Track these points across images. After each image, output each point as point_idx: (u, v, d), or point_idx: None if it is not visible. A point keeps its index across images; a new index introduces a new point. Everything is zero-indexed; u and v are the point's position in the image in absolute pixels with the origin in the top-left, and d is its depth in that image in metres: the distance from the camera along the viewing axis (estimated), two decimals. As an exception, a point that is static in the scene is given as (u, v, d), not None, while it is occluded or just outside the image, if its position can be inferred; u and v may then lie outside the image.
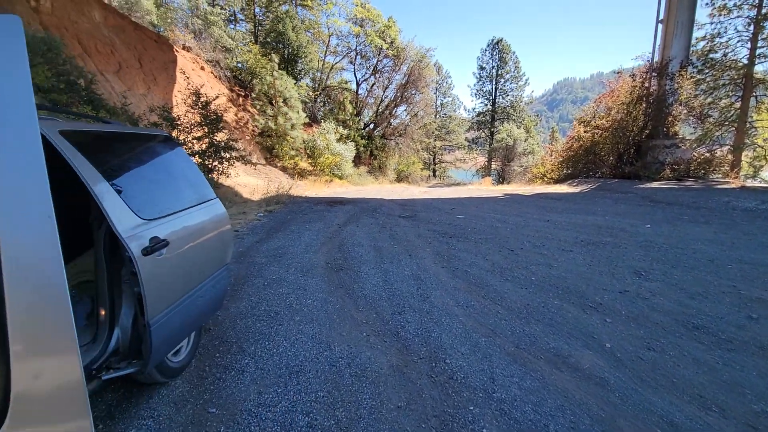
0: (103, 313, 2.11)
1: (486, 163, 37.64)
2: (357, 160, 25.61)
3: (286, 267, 4.98)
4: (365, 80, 30.36)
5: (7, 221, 1.07)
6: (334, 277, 4.69)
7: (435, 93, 39.78)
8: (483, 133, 40.33)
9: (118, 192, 2.07)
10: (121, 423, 2.18)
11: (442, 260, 5.35)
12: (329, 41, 28.89)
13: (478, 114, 40.66)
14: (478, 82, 40.03)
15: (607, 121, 16.96)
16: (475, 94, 40.40)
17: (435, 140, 40.29)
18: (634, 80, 16.60)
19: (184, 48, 19.13)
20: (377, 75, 29.81)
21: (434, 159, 42.31)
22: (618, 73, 17.89)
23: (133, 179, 2.36)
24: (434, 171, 41.19)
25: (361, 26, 28.28)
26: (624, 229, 6.96)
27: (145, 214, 2.20)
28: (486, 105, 40.08)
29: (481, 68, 39.53)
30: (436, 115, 39.96)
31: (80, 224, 2.54)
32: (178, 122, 10.63)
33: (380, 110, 30.66)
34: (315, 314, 3.64)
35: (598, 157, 17.20)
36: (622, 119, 16.39)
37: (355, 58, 29.52)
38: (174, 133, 10.55)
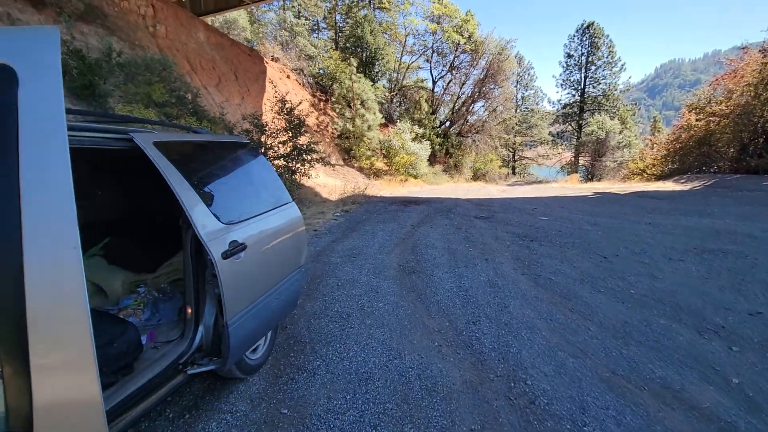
0: (189, 311, 2.24)
1: (572, 158, 34.79)
2: (432, 159, 25.31)
3: (360, 267, 5.01)
4: (441, 78, 29.92)
5: (33, 231, 1.09)
6: (407, 280, 4.60)
7: (515, 86, 37.83)
8: (569, 127, 37.30)
9: (202, 197, 2.18)
10: (204, 414, 2.31)
11: (522, 266, 4.96)
12: (405, 41, 28.98)
13: (564, 106, 37.69)
14: (564, 72, 37.11)
15: (726, 107, 14.52)
16: (561, 85, 37.53)
17: (515, 136, 38.31)
18: (765, 56, 13.95)
19: (272, 59, 20.56)
20: (454, 71, 29.16)
21: (513, 156, 40.25)
22: (743, 48, 15.18)
23: (215, 185, 2.49)
24: (513, 168, 39.19)
25: (438, 23, 27.87)
26: (752, 235, 5.84)
27: (225, 218, 2.30)
28: (573, 96, 37.02)
29: (569, 56, 36.57)
30: (516, 110, 37.98)
31: (175, 226, 2.76)
32: (266, 128, 11.41)
33: (456, 107, 29.96)
34: (386, 319, 3.58)
35: (714, 148, 14.83)
36: (747, 103, 13.88)
37: (432, 56, 29.22)
38: (262, 138, 11.36)
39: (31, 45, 1.15)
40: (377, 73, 25.01)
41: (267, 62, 19.18)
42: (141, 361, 2.10)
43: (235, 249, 2.21)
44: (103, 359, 1.88)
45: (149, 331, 2.39)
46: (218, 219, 2.22)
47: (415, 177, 20.60)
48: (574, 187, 17.39)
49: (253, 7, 22.14)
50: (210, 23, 19.03)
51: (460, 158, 29.17)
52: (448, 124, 30.10)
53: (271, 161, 11.24)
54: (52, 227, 1.15)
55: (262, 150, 11.15)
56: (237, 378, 2.61)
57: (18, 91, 1.10)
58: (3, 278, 1.06)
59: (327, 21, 28.30)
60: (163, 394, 1.99)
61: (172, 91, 11.32)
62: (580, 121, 35.82)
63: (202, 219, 2.10)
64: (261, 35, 22.65)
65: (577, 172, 31.25)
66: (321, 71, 23.47)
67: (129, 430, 1.90)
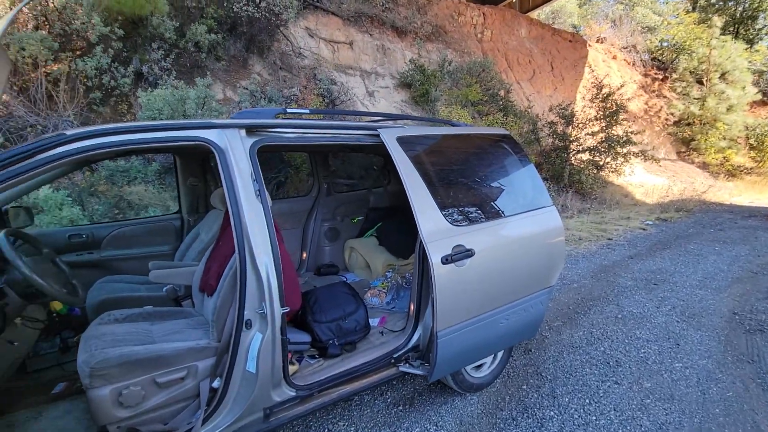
0: (412, 308, 2.20)
1: None
2: None
3: (659, 301, 3.63)
4: None
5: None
6: (742, 341, 2.95)
7: None
8: None
9: (435, 194, 2.05)
10: (413, 414, 2.25)
11: None
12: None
13: None
14: None
15: None
16: None
17: None
18: None
19: (597, 41, 18.25)
20: None
21: None
22: None
23: (455, 181, 2.31)
24: None
25: None
26: None
27: (455, 218, 2.08)
28: None
29: None
30: None
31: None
32: (574, 118, 10.27)
33: None
34: (682, 392, 2.39)
35: None
36: None
37: None
38: (567, 130, 10.32)
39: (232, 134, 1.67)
40: (759, 30, 17.57)
41: (590, 45, 17.19)
42: (365, 342, 2.24)
43: (458, 254, 1.97)
44: (336, 331, 2.11)
45: (382, 316, 2.55)
46: (447, 219, 2.03)
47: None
48: None
49: (583, -11, 20.26)
50: (535, 17, 18.84)
51: None
52: None
53: (573, 154, 10.07)
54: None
55: (566, 142, 10.13)
56: (454, 390, 2.40)
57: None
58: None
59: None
60: (375, 381, 2.04)
61: (487, 89, 12.05)
62: None
63: (427, 216, 1.97)
64: (588, 17, 20.48)
65: None
66: (662, 44, 18.83)
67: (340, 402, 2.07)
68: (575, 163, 10.14)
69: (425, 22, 12.61)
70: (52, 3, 5.60)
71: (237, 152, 1.67)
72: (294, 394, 1.76)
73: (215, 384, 1.67)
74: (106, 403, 1.50)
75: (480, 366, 2.46)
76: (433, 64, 11.88)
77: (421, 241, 1.93)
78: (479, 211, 2.24)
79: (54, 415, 1.73)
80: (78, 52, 5.96)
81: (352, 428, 2.13)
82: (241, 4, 7.57)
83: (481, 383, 2.43)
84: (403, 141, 2.09)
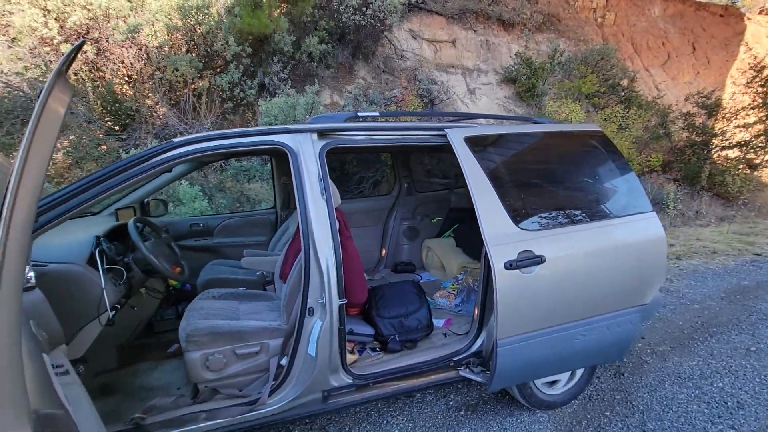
0: (476, 312, 2.12)
1: None
2: None
3: (820, 339, 2.84)
4: None
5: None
6: None
7: None
8: None
9: (503, 195, 1.94)
10: (474, 421, 2.17)
11: None
12: None
13: None
14: None
15: None
16: None
17: None
18: None
19: (760, 12, 14.78)
20: None
21: None
22: None
23: (531, 182, 2.15)
24: None
25: None
26: None
27: (527, 222, 1.95)
28: None
29: None
30: None
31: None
32: (719, 108, 8.52)
33: None
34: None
35: None
36: None
37: None
38: (710, 122, 8.61)
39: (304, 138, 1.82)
40: None
41: (748, 18, 14.01)
42: (426, 341, 2.23)
43: (524, 261, 1.84)
44: (398, 328, 2.16)
45: (448, 318, 2.49)
46: (514, 222, 1.90)
47: None
48: None
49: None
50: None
51: None
52: None
53: (716, 151, 8.36)
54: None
55: (707, 137, 8.46)
56: (523, 405, 2.23)
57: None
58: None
59: None
60: (433, 382, 2.03)
61: (605, 80, 10.78)
62: None
63: (492, 219, 1.88)
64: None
65: None
66: None
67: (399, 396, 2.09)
68: (719, 162, 8.40)
69: (535, 11, 11.76)
70: (199, 29, 6.69)
71: (307, 154, 1.81)
72: (351, 381, 1.85)
73: (283, 362, 1.85)
74: (196, 365, 1.79)
75: (554, 383, 2.25)
76: (542, 56, 11.03)
77: (484, 245, 1.85)
78: (556, 216, 2.05)
79: (166, 369, 2.13)
80: (217, 70, 7.03)
81: (411, 424, 2.15)
82: (349, 14, 8.04)
83: (553, 401, 2.22)
84: (471, 141, 2.02)
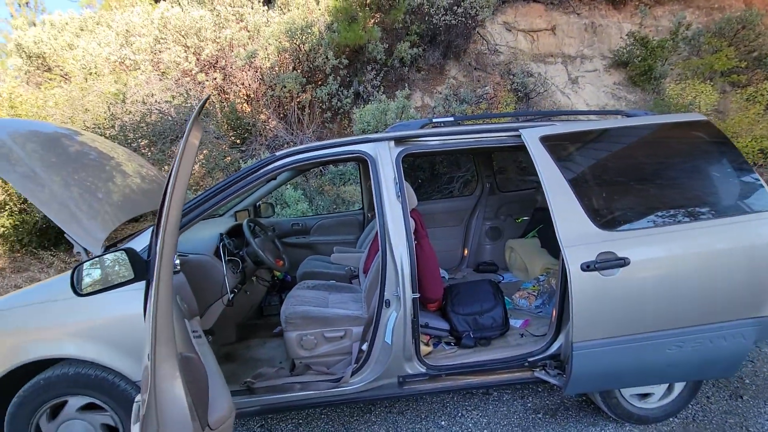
0: (554, 314, 2.09)
1: None
2: None
3: None
4: None
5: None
6: None
7: None
8: None
9: (582, 194, 1.90)
10: (552, 425, 2.14)
11: None
12: None
13: None
14: None
15: None
16: None
17: None
18: None
19: None
20: None
21: None
22: None
23: (616, 180, 2.05)
24: None
25: None
26: None
27: (608, 222, 1.88)
28: None
29: None
30: None
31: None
32: None
33: None
34: None
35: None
36: None
37: None
38: None
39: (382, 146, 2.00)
40: None
41: None
42: (501, 340, 2.27)
43: (604, 262, 1.78)
44: (472, 324, 2.26)
45: (526, 319, 2.46)
46: (595, 223, 1.85)
47: None
48: None
49: None
50: None
51: None
52: None
53: None
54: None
55: None
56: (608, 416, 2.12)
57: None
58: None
59: None
60: (505, 380, 2.07)
61: (749, 52, 9.07)
62: None
63: (568, 219, 1.87)
64: None
65: None
66: None
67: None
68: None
69: (657, -20, 10.40)
70: (303, 48, 7.46)
71: (384, 161, 2.02)
72: (424, 370, 2.00)
73: (363, 347, 2.09)
74: (293, 344, 2.13)
75: (646, 396, 2.09)
76: (661, 33, 9.74)
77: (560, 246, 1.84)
78: (647, 216, 1.92)
79: (272, 346, 2.54)
80: (318, 83, 7.76)
81: (485, 420, 2.21)
82: (440, 15, 8.16)
83: (645, 415, 2.06)
84: (548, 139, 2.01)
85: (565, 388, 1.88)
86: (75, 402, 1.79)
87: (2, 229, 5.12)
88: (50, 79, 6.76)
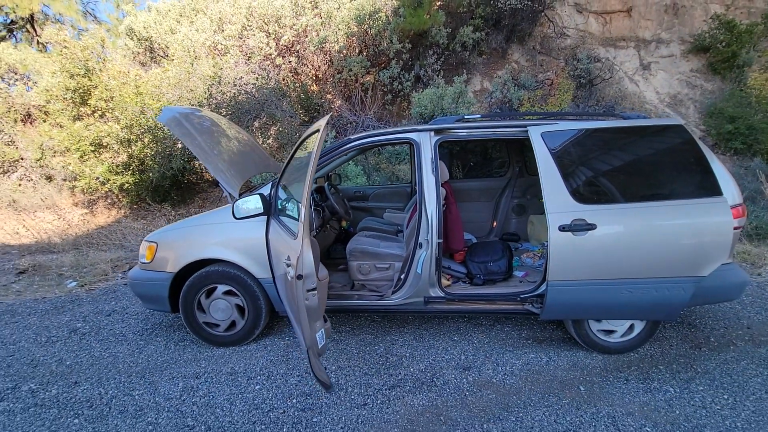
0: (545, 265, 2.95)
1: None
2: None
3: None
4: None
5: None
6: None
7: None
8: None
9: (567, 178, 2.74)
10: (537, 348, 3.04)
11: None
12: None
13: None
14: None
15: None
16: None
17: None
18: None
19: None
20: None
21: None
22: None
23: (594, 169, 2.85)
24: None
25: None
26: None
27: (584, 198, 2.70)
28: None
29: None
30: None
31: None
32: None
33: None
34: None
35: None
36: None
37: None
38: None
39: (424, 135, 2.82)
40: None
41: None
42: (504, 283, 3.20)
43: (575, 226, 2.63)
44: (483, 270, 3.22)
45: (526, 271, 3.34)
46: (574, 198, 2.69)
47: None
48: None
49: None
50: None
51: None
52: None
53: None
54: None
55: None
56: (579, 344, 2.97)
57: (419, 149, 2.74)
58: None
59: None
60: (502, 309, 3.01)
61: None
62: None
63: (554, 195, 2.72)
64: None
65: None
66: None
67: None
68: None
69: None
70: (370, 33, 8.42)
71: (425, 146, 2.98)
72: (443, 295, 2.99)
73: (402, 276, 3.12)
74: (354, 270, 3.23)
75: (611, 332, 2.91)
76: (753, 16, 9.45)
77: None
78: (616, 195, 2.71)
79: (339, 275, 3.68)
80: (381, 66, 8.72)
81: (486, 339, 3.17)
82: (506, -1, 8.67)
83: (608, 347, 2.91)
84: (546, 135, 2.85)
85: (541, 314, 2.79)
86: (221, 288, 3.05)
87: (127, 185, 6.79)
88: (162, 63, 8.40)
